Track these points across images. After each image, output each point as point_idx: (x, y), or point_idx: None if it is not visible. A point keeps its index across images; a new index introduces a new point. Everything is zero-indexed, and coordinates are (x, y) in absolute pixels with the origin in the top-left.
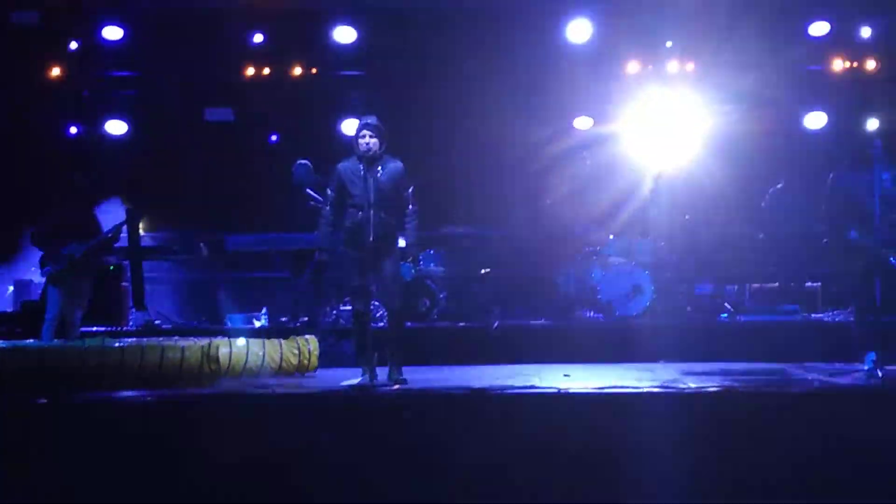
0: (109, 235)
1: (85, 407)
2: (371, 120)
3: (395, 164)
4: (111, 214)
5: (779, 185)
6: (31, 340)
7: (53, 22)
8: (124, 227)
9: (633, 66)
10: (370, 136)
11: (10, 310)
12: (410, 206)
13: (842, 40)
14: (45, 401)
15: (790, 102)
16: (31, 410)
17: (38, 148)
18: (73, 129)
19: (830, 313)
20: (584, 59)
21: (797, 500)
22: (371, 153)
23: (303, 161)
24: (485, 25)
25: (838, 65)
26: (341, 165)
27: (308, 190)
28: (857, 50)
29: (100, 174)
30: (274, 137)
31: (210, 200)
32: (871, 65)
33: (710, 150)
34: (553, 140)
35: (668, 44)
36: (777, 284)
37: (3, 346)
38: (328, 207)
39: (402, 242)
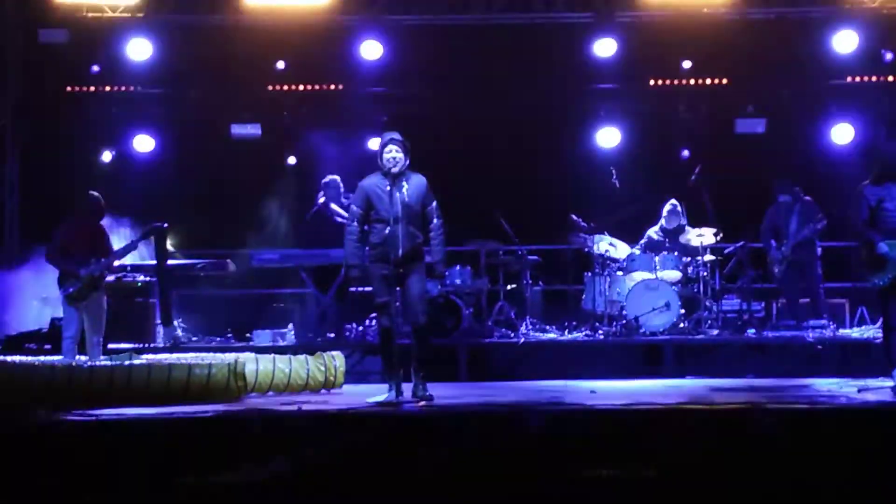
0: (123, 252)
1: (111, 424)
2: (395, 135)
3: (420, 179)
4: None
5: (772, 205)
6: (58, 358)
7: (81, 40)
8: (140, 243)
9: (656, 82)
10: (396, 151)
11: (37, 327)
12: (436, 220)
13: (868, 54)
14: (76, 418)
15: (816, 116)
16: (59, 427)
17: (66, 164)
18: (108, 156)
19: (858, 328)
20: (610, 75)
21: None
22: (397, 168)
23: (333, 177)
24: (511, 41)
25: (865, 78)
26: (366, 182)
27: (332, 205)
28: (883, 63)
29: (126, 191)
30: (293, 160)
31: (237, 216)
32: None
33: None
34: (579, 155)
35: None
36: (808, 300)
37: (33, 363)
38: (354, 224)
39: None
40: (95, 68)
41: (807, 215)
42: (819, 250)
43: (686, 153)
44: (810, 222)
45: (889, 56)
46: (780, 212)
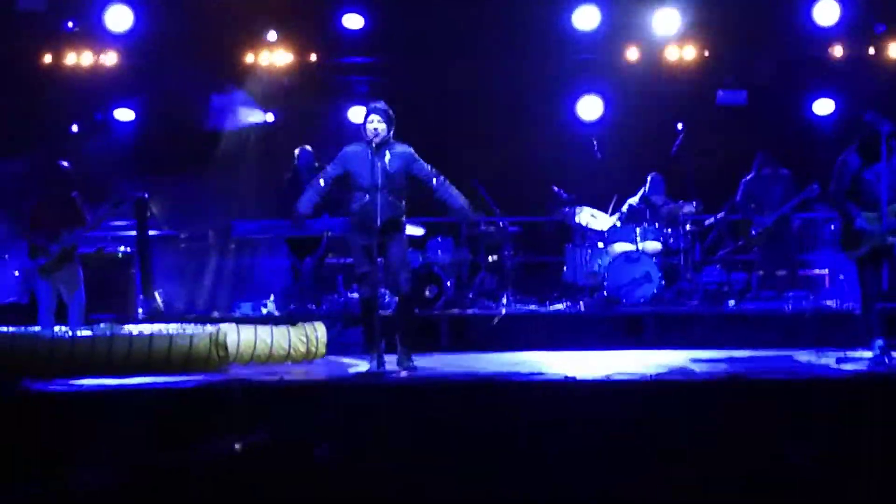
0: (95, 221)
1: (93, 394)
2: (379, 105)
3: (404, 149)
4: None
5: (749, 176)
6: (37, 328)
7: (61, 8)
8: (112, 211)
9: (635, 53)
10: (378, 121)
11: (15, 299)
12: (436, 180)
13: (851, 26)
14: (57, 388)
15: (797, 88)
16: (40, 397)
17: (46, 135)
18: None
19: (838, 299)
20: (591, 45)
21: (806, 490)
22: (379, 138)
23: (305, 147)
24: (493, 10)
25: (847, 51)
26: (349, 147)
27: (306, 173)
28: (865, 36)
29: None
30: (271, 117)
31: (217, 187)
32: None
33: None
34: (560, 126)
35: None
36: (785, 272)
37: (14, 332)
38: (319, 179)
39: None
40: (70, 24)
41: (789, 187)
42: (797, 222)
43: (680, 126)
44: (794, 193)
45: (880, 28)
46: (761, 184)
